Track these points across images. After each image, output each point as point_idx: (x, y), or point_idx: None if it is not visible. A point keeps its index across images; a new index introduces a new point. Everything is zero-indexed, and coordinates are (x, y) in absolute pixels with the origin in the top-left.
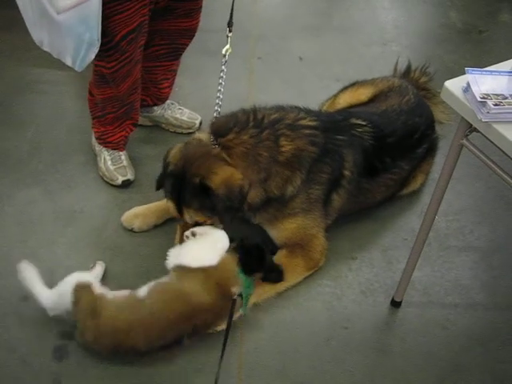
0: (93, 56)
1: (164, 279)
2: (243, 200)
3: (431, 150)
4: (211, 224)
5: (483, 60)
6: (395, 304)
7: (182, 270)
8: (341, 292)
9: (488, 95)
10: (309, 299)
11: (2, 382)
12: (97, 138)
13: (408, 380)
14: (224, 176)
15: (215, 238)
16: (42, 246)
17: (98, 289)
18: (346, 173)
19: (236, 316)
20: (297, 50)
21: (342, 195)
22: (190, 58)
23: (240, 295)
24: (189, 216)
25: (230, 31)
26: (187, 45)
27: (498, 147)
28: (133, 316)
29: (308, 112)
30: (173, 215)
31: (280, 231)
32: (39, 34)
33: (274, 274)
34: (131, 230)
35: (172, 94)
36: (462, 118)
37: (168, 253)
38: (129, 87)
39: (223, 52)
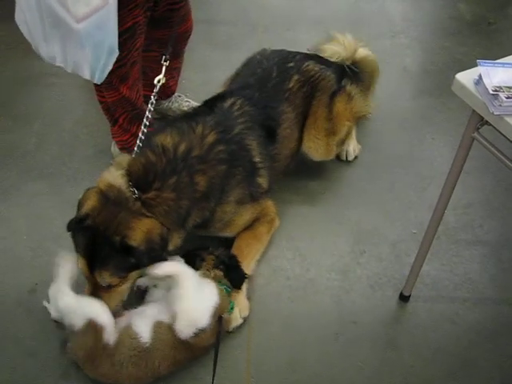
0: (111, 65)
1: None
2: (166, 246)
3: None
4: (124, 285)
5: (492, 52)
6: (404, 298)
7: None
8: (349, 286)
9: (500, 88)
10: (317, 293)
11: (10, 375)
12: (121, 149)
13: (416, 375)
14: (144, 231)
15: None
16: (49, 240)
17: (107, 334)
18: (257, 159)
19: (235, 325)
20: (304, 41)
21: (264, 174)
22: (196, 50)
23: None
24: (101, 278)
25: (165, 60)
26: (186, 45)
27: (510, 141)
28: (138, 371)
29: (203, 118)
30: (82, 273)
31: (230, 231)
32: (50, 50)
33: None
34: None
35: (179, 87)
36: (474, 111)
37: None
38: (130, 88)
39: (155, 82)
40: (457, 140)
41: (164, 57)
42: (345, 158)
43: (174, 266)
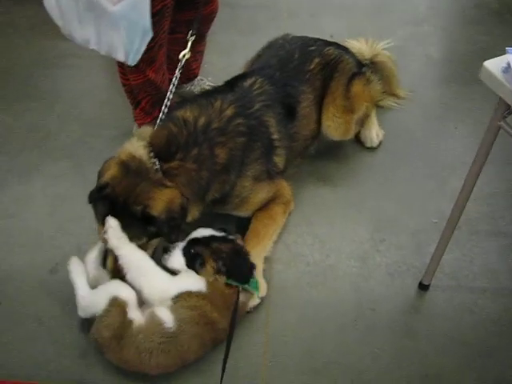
0: (145, 47)
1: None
2: (185, 216)
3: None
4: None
5: None
6: (423, 287)
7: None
8: (368, 274)
9: None
10: (336, 279)
11: (30, 354)
12: None
13: (434, 364)
14: (165, 200)
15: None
16: (70, 220)
17: (131, 312)
18: (275, 136)
19: (252, 305)
20: (328, 27)
21: (281, 154)
22: (219, 34)
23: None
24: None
25: (191, 35)
26: (210, 27)
27: None
28: (162, 353)
29: (223, 94)
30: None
31: (246, 209)
32: (84, 33)
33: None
34: None
35: (201, 71)
36: (501, 98)
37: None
38: (156, 71)
39: (180, 57)
40: (479, 130)
41: (190, 32)
42: (369, 145)
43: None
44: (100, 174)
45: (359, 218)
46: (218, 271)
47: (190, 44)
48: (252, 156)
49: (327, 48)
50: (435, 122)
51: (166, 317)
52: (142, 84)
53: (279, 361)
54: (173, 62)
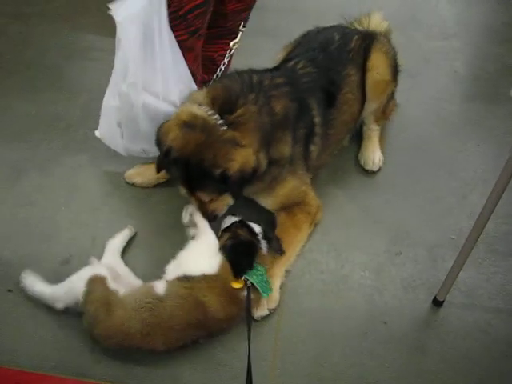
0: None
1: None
2: (255, 176)
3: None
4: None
5: None
6: (437, 303)
7: (187, 281)
8: (382, 286)
9: None
10: (349, 290)
11: (37, 344)
12: None
13: (443, 381)
14: (241, 162)
15: (210, 244)
16: (86, 212)
17: (113, 284)
18: (317, 119)
19: (259, 315)
20: None
21: (318, 143)
22: (246, 36)
23: (252, 284)
24: (202, 196)
25: (243, 26)
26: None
27: None
28: (151, 319)
29: (267, 71)
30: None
31: (273, 198)
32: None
33: (276, 244)
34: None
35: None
36: None
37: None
38: (193, 60)
39: (231, 45)
40: (502, 149)
41: (242, 23)
42: (369, 167)
43: (204, 224)
44: (160, 140)
45: (376, 230)
46: (222, 248)
47: (240, 34)
48: (298, 130)
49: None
50: (457, 138)
51: (160, 285)
52: None
53: (287, 368)
54: (204, 58)
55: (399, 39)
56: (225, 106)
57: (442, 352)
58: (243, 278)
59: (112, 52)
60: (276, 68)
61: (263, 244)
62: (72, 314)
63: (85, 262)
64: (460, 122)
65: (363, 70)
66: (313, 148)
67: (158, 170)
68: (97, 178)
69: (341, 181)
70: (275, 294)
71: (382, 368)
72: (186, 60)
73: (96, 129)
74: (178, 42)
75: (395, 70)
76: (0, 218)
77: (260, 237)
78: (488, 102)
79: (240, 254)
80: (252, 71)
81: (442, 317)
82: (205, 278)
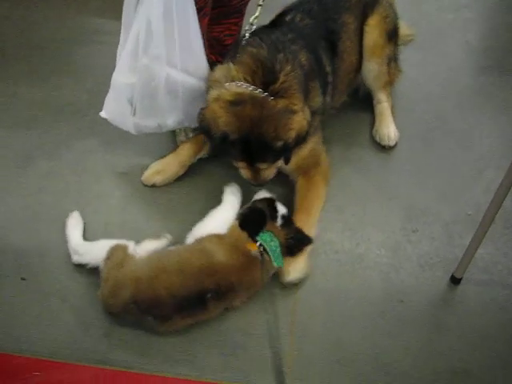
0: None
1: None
2: (308, 135)
3: None
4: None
5: None
6: (455, 280)
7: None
8: (398, 264)
9: None
10: (365, 268)
11: (52, 332)
12: None
13: (462, 359)
14: (297, 128)
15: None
16: (97, 197)
17: (132, 250)
18: (328, 68)
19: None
20: None
21: (329, 92)
22: (252, 14)
23: (266, 251)
24: (261, 166)
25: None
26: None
27: None
28: (155, 263)
29: (273, 28)
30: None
31: (296, 158)
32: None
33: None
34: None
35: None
36: None
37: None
38: None
39: (250, 20)
40: None
41: None
42: (386, 143)
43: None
44: (209, 127)
45: (391, 207)
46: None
47: (259, 9)
48: (316, 82)
49: None
50: (472, 111)
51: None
52: None
53: (305, 349)
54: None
55: (411, 11)
56: (266, 76)
57: (460, 329)
58: (258, 242)
59: (119, 35)
60: (273, 22)
61: (279, 221)
62: (86, 304)
63: None
64: (474, 94)
65: (360, 29)
66: (328, 98)
67: (214, 155)
68: (107, 162)
69: (353, 159)
70: (300, 262)
71: (400, 348)
72: None
73: None
74: None
75: (393, 34)
76: (10, 206)
77: (278, 214)
78: (502, 73)
79: (250, 217)
80: (263, 32)
81: (460, 294)
82: (215, 234)
